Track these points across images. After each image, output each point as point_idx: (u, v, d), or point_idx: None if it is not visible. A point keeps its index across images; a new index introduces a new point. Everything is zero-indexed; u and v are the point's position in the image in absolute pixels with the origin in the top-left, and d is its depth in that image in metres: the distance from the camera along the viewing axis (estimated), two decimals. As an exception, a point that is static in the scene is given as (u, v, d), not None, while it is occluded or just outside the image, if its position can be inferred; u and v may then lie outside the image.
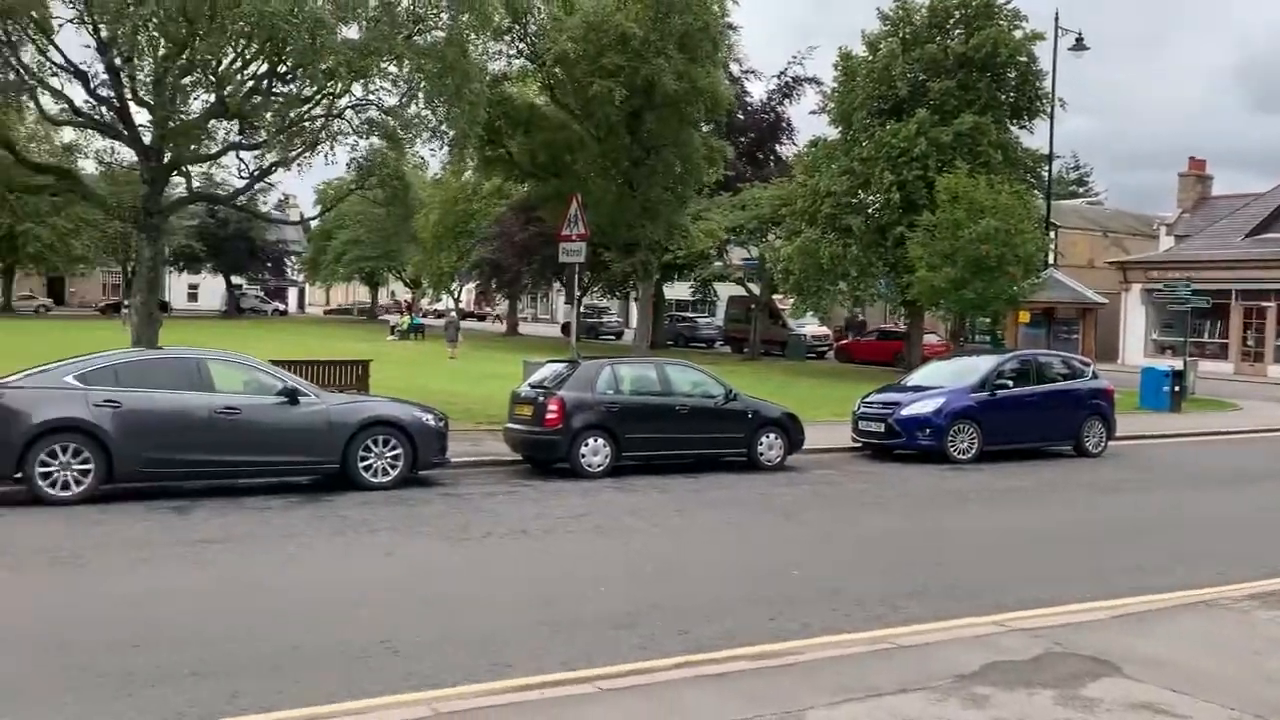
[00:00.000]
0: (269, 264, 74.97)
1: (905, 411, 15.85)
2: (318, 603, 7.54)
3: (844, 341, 43.34)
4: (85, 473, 10.77)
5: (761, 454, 14.43)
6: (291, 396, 11.90)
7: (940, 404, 15.80)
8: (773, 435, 14.60)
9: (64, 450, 10.72)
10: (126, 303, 55.18)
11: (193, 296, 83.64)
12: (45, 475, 10.64)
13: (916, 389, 16.74)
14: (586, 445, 13.38)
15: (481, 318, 77.07)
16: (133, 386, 11.28)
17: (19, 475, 10.70)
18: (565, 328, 56.67)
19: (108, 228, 61.88)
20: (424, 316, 61.39)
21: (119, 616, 7.03)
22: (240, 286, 75.66)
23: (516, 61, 33.43)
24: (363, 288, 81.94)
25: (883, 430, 15.95)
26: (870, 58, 30.18)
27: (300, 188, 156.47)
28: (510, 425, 14.23)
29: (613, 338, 54.71)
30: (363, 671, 5.97)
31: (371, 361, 20.00)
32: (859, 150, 29.49)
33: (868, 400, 16.65)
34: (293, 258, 79.01)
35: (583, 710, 5.28)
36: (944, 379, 17.01)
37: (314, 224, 62.88)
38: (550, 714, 5.20)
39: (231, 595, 7.66)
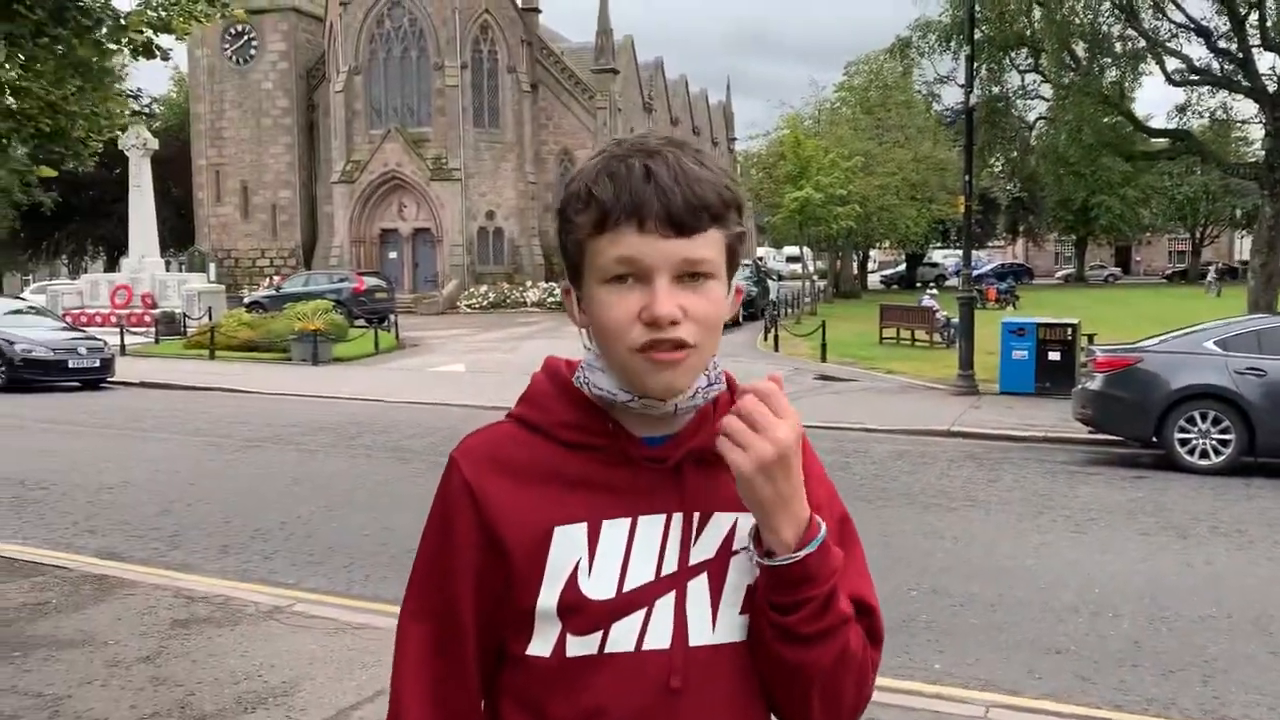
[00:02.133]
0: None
1: None
2: None
3: None
4: (1225, 443, 10.30)
5: None
6: None
7: None
8: None
9: (1203, 417, 10.40)
10: (1211, 270, 53.82)
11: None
12: (1183, 442, 10.47)
13: None
14: None
15: None
16: (1277, 354, 10.41)
17: (1155, 439, 10.76)
18: None
19: (1176, 195, 61.30)
20: None
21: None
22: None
23: None
24: None
25: None
26: None
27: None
28: None
29: None
30: None
31: None
32: None
33: None
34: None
35: None
36: None
37: None
38: None
39: None
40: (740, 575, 1.21)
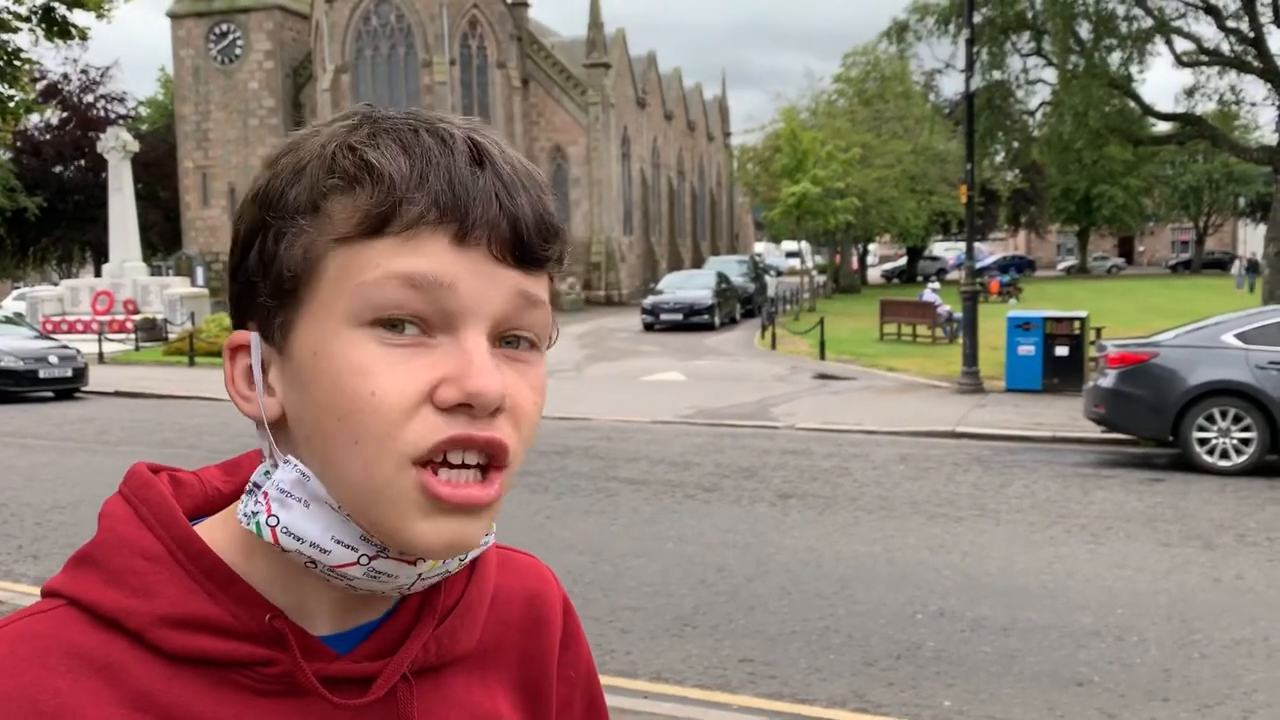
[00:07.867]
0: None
1: None
2: None
3: None
4: (1246, 441, 9.72)
5: None
6: None
7: None
8: None
9: (1223, 415, 9.82)
10: (1238, 262, 53.09)
11: None
12: (1202, 441, 9.88)
13: None
14: None
15: None
16: (1301, 347, 9.82)
17: (1172, 438, 10.18)
18: None
19: (1179, 183, 60.64)
20: None
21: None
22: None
23: None
24: None
25: None
26: None
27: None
28: None
29: None
30: None
31: None
32: None
33: None
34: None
35: None
36: None
37: None
38: None
39: None
40: None
